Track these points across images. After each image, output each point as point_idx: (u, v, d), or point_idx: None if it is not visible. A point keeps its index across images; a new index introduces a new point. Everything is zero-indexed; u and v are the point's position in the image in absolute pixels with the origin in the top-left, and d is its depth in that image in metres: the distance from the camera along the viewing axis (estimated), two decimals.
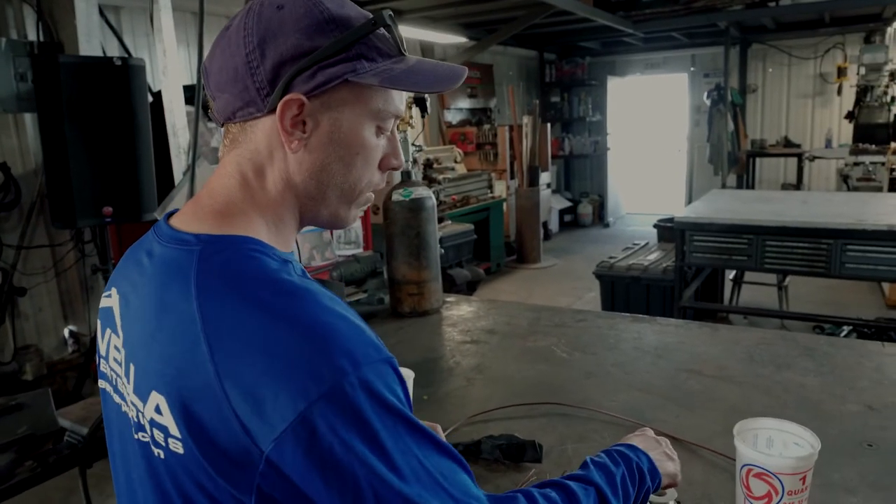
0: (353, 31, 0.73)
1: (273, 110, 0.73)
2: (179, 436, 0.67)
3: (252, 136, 0.76)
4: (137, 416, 0.72)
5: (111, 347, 0.79)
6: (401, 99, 0.80)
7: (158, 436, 0.69)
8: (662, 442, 1.04)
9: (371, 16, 0.75)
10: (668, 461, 1.00)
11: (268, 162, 0.77)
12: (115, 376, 0.78)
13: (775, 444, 1.02)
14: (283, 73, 0.72)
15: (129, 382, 0.74)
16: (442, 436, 1.06)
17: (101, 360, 0.83)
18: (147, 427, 0.71)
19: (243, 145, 0.77)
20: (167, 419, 0.68)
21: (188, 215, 0.77)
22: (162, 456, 0.70)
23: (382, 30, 0.75)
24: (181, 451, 0.67)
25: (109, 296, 0.81)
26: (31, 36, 3.63)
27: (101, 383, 0.84)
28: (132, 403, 0.73)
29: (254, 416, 0.62)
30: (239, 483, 0.65)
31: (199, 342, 0.65)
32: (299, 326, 0.65)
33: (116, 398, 0.78)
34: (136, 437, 0.73)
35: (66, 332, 4.04)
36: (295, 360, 0.63)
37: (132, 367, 0.73)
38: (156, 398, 0.69)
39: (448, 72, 0.79)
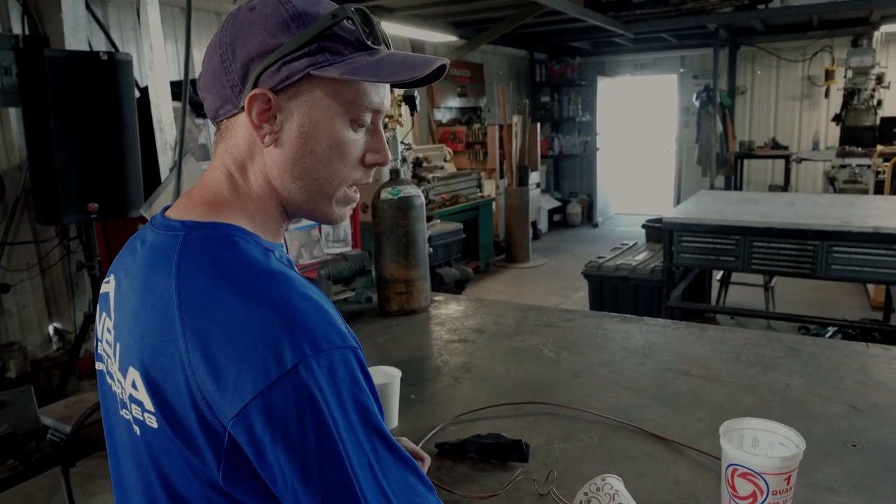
0: (314, 25, 0.75)
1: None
2: (153, 410, 0.71)
3: (234, 132, 0.80)
4: (121, 393, 0.77)
5: (104, 330, 0.83)
6: (377, 93, 0.80)
7: (136, 411, 0.74)
8: None
9: (342, 6, 0.76)
10: None
11: (248, 157, 0.80)
12: (107, 357, 0.82)
13: (761, 445, 1.02)
14: (252, 70, 0.75)
15: (115, 361, 0.78)
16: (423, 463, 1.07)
17: (97, 343, 0.87)
18: (128, 403, 0.75)
19: (228, 141, 0.80)
20: (142, 394, 0.72)
21: (181, 206, 0.80)
22: (139, 432, 0.74)
23: (349, 23, 0.76)
24: (155, 425, 0.71)
25: (108, 282, 0.84)
26: (16, 29, 3.60)
27: (98, 365, 0.87)
28: (118, 381, 0.78)
29: (216, 392, 0.65)
30: (206, 458, 0.68)
31: (173, 319, 0.68)
32: (269, 307, 0.67)
33: (108, 378, 0.82)
34: (121, 413, 0.78)
35: (50, 330, 4.00)
36: (260, 339, 0.65)
37: (118, 346, 0.77)
38: (133, 374, 0.73)
39: (418, 62, 0.78)
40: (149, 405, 0.71)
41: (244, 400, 0.64)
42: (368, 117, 0.81)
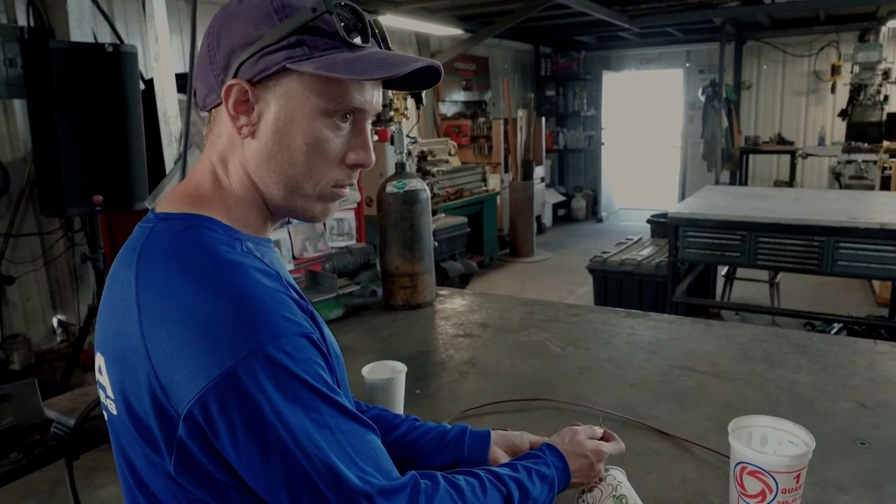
0: (294, 18, 0.74)
1: None
2: (113, 397, 0.73)
3: (219, 123, 0.80)
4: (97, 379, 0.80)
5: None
6: (361, 92, 0.78)
7: (103, 396, 0.77)
8: (590, 447, 0.97)
9: (322, 0, 0.75)
10: (588, 471, 0.96)
11: (229, 150, 0.80)
12: None
13: (770, 442, 1.01)
14: (233, 61, 0.75)
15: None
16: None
17: None
18: (99, 389, 0.78)
19: (214, 132, 0.81)
20: (105, 379, 0.75)
21: (166, 200, 0.81)
22: (107, 417, 0.78)
23: (332, 17, 0.75)
24: (115, 412, 0.73)
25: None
26: (22, 21, 3.59)
27: None
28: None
29: (172, 378, 0.66)
30: (157, 444, 0.69)
31: (131, 306, 0.70)
32: (224, 295, 0.68)
33: None
34: (102, 399, 0.80)
35: (54, 322, 4.01)
36: (216, 326, 0.66)
37: (95, 333, 0.80)
38: (99, 359, 0.76)
39: (397, 60, 0.77)
40: (110, 391, 0.74)
41: (200, 385, 0.64)
42: (349, 116, 0.78)
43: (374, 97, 0.80)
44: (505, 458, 1.02)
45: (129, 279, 0.72)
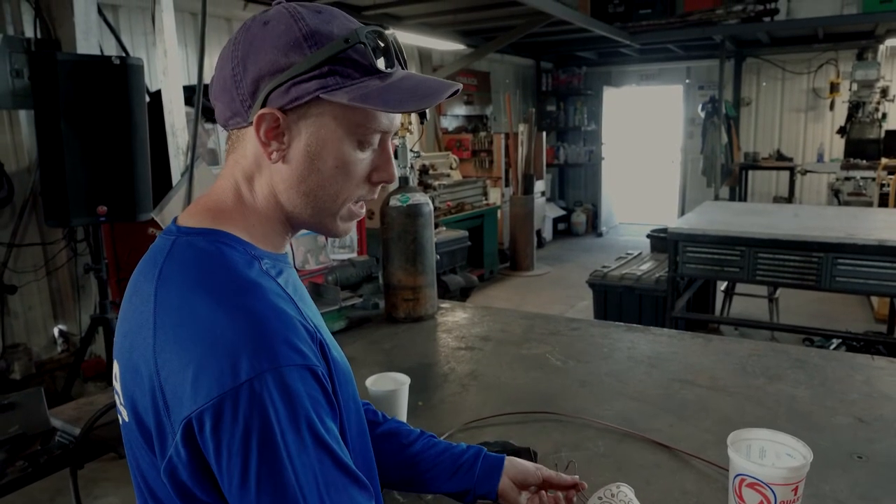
0: (325, 48, 0.74)
1: None
2: (124, 404, 0.75)
3: (243, 144, 0.81)
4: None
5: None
6: (387, 115, 0.80)
7: (118, 401, 0.79)
8: None
9: (355, 30, 0.76)
10: None
11: (256, 170, 0.81)
12: None
13: (768, 455, 1.03)
14: (262, 88, 0.75)
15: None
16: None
17: None
18: (115, 394, 0.81)
19: (238, 151, 0.82)
20: (119, 387, 0.77)
21: (188, 212, 0.83)
22: (121, 422, 0.80)
23: (364, 46, 0.75)
24: (126, 418, 0.76)
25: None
26: (29, 33, 3.62)
27: None
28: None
29: (174, 393, 0.68)
30: (159, 458, 0.71)
31: (148, 320, 0.72)
32: (234, 315, 0.69)
33: None
34: (117, 405, 0.82)
35: (55, 332, 4.01)
36: (221, 348, 0.67)
37: (114, 340, 0.82)
38: (116, 367, 0.79)
39: (428, 90, 0.78)
40: (122, 399, 0.76)
41: (196, 405, 0.65)
42: (376, 138, 0.81)
43: (396, 118, 0.83)
44: (514, 492, 1.00)
45: (149, 293, 0.73)
